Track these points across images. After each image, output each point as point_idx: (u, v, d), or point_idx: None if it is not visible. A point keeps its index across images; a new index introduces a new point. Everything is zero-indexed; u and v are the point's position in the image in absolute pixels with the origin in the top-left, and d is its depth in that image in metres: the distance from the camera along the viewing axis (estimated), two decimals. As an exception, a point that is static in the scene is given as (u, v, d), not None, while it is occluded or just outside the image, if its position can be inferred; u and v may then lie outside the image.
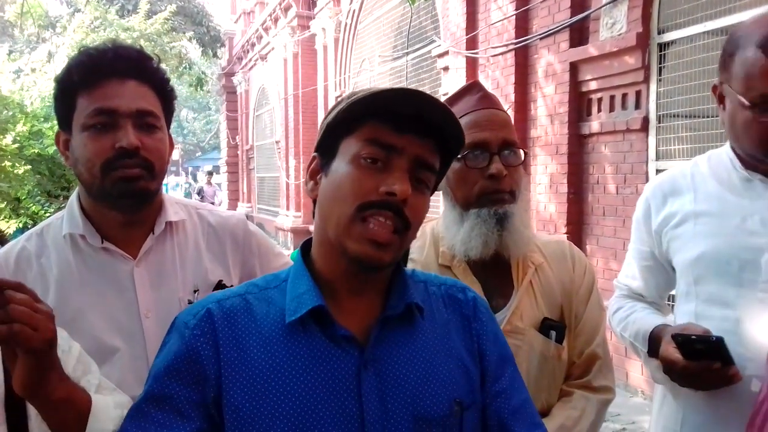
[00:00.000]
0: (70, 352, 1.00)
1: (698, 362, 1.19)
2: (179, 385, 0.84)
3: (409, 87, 0.90)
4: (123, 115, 1.19)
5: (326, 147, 0.90)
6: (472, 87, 1.35)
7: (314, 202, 0.93)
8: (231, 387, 0.83)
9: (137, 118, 1.20)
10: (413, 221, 0.86)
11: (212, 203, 13.37)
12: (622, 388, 4.47)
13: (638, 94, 4.41)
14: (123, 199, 1.22)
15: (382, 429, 0.84)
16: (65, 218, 1.28)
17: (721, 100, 1.33)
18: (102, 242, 1.26)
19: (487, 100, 1.32)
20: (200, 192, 16.09)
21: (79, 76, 1.19)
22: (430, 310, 0.94)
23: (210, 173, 17.50)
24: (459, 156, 1.27)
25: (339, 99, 0.92)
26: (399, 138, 0.84)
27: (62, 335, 1.01)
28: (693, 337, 1.19)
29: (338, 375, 0.84)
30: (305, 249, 0.95)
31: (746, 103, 1.21)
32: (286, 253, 1.60)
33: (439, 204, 1.43)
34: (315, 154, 0.93)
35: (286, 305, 0.88)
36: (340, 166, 0.87)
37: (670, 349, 1.24)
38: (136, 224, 1.28)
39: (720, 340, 1.16)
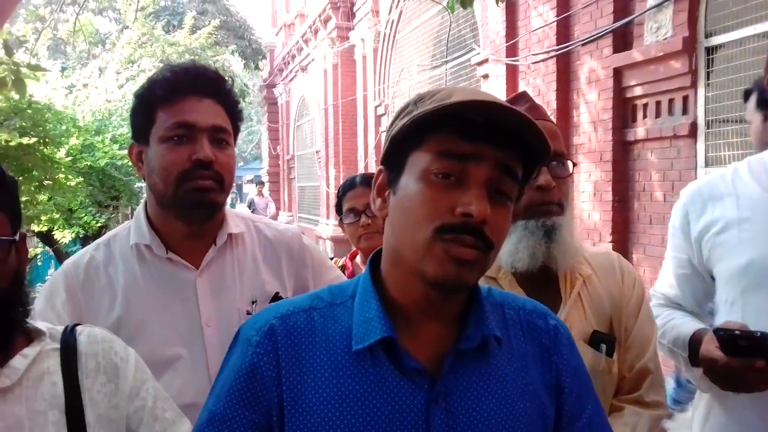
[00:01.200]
0: (128, 361, 1.03)
1: (740, 359, 1.12)
2: (242, 406, 0.81)
3: (479, 90, 0.82)
4: (200, 130, 1.25)
5: (392, 161, 0.83)
6: (520, 98, 1.35)
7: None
8: (294, 412, 0.80)
9: (212, 133, 1.27)
10: (495, 241, 0.78)
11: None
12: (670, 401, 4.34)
13: (685, 99, 4.31)
14: (194, 209, 1.28)
15: None
16: (132, 229, 1.34)
17: None
18: (167, 253, 1.31)
19: (536, 111, 1.31)
20: (251, 204, 14.03)
21: (162, 91, 1.26)
22: (507, 339, 0.87)
23: (261, 183, 15.58)
24: None
25: (405, 104, 0.84)
26: (473, 146, 0.76)
27: (119, 344, 1.04)
28: (736, 332, 1.13)
29: (406, 409, 0.79)
30: (374, 262, 0.89)
31: None
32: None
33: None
34: (381, 167, 0.86)
35: (354, 330, 0.82)
36: (410, 183, 0.79)
37: (710, 347, 1.18)
38: (200, 236, 1.33)
39: (765, 336, 1.10)
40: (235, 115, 1.34)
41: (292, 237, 1.46)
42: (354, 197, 2.17)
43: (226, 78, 1.36)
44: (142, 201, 1.38)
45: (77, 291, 1.28)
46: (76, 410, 0.95)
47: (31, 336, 0.98)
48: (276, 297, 1.37)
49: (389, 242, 0.85)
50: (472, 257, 0.77)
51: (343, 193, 2.24)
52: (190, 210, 1.28)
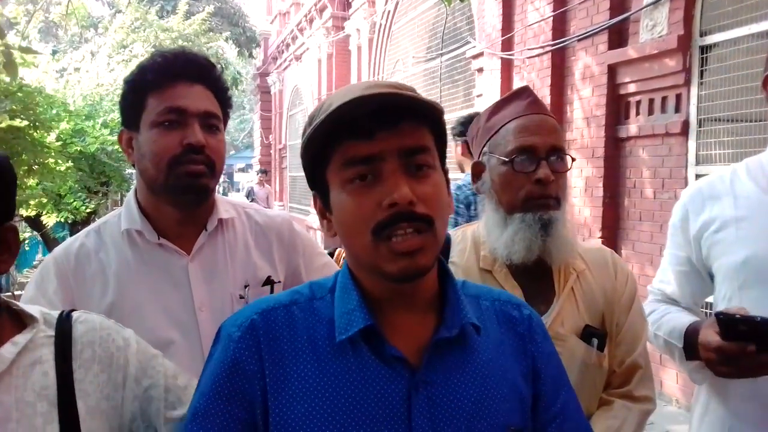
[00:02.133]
0: (129, 345, 1.00)
1: (733, 343, 1.13)
2: (224, 402, 0.82)
3: (359, 85, 0.84)
4: (191, 115, 1.26)
5: (316, 184, 0.87)
6: (522, 92, 1.35)
7: None
8: (278, 404, 0.81)
9: (203, 118, 1.28)
10: (432, 213, 0.80)
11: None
12: (656, 396, 4.39)
13: (678, 97, 4.33)
14: (185, 194, 1.28)
15: None
16: (123, 215, 1.34)
17: None
18: (158, 238, 1.31)
19: (537, 106, 1.32)
20: (249, 194, 12.63)
21: (153, 77, 1.27)
22: (483, 329, 0.89)
23: (264, 172, 13.97)
24: (507, 159, 1.27)
25: (304, 130, 0.87)
26: (372, 144, 0.79)
27: (117, 330, 1.01)
28: (737, 316, 1.13)
29: (388, 397, 0.81)
30: None
31: None
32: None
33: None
34: (313, 193, 0.90)
35: (336, 321, 0.84)
36: (337, 198, 0.83)
37: (709, 331, 1.19)
38: (190, 221, 1.34)
39: (765, 321, 1.10)
40: (225, 102, 1.35)
41: (282, 222, 1.47)
42: None
43: (216, 65, 1.37)
44: (133, 187, 1.38)
45: (69, 277, 1.28)
46: (68, 402, 0.92)
47: (24, 323, 0.95)
48: (268, 281, 1.38)
49: (347, 253, 0.88)
50: (419, 244, 0.79)
51: None
52: (182, 195, 1.28)
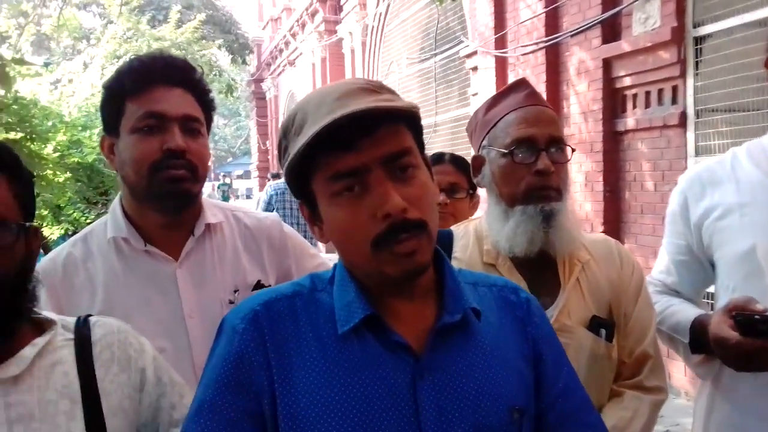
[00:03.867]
0: (144, 350, 1.03)
1: (754, 339, 1.08)
2: (231, 393, 0.81)
3: (333, 95, 0.82)
4: (171, 119, 1.24)
5: (302, 194, 0.87)
6: (520, 84, 1.35)
7: None
8: (285, 395, 0.81)
9: (184, 122, 1.26)
10: (424, 215, 0.81)
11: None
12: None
13: (675, 89, 4.33)
14: (168, 199, 1.27)
15: None
16: (109, 223, 1.33)
17: None
18: (145, 245, 1.29)
19: (535, 97, 1.31)
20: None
21: (131, 82, 1.25)
22: (483, 314, 0.89)
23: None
24: (506, 151, 1.26)
25: (279, 140, 0.88)
26: (357, 155, 0.79)
27: (133, 334, 1.04)
28: (756, 317, 1.09)
29: (393, 384, 0.82)
30: None
31: None
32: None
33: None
34: (299, 201, 0.90)
35: (336, 314, 0.85)
36: (327, 210, 0.84)
37: (722, 326, 1.13)
38: (177, 226, 1.32)
39: None
40: (207, 104, 1.33)
41: (272, 225, 1.45)
42: (437, 172, 2.05)
43: (197, 68, 1.35)
44: (119, 194, 1.37)
45: (57, 288, 1.27)
46: (93, 400, 0.95)
47: (43, 326, 0.99)
48: (258, 285, 1.36)
49: (341, 256, 0.88)
50: (418, 245, 0.80)
51: None
52: (164, 201, 1.27)
